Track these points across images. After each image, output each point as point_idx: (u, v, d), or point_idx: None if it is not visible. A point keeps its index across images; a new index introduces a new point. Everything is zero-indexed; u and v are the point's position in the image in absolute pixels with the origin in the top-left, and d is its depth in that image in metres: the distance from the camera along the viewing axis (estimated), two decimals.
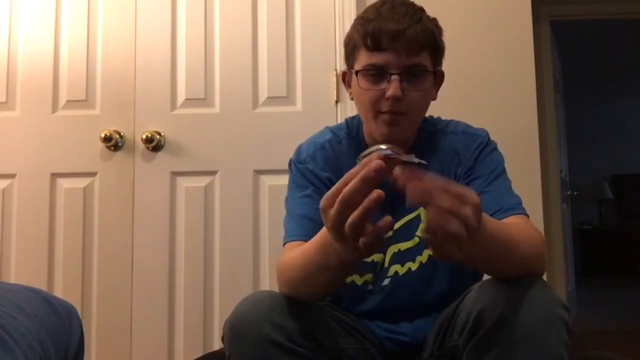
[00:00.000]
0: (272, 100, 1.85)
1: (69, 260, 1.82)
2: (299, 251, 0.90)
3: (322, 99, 1.83)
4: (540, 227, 1.77)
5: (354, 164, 1.07)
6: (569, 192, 3.68)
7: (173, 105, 1.86)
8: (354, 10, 1.79)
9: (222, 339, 0.89)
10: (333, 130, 1.14)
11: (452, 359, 0.92)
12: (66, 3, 1.92)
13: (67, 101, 1.89)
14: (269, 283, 1.78)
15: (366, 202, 0.66)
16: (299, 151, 1.13)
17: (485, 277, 0.91)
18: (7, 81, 1.90)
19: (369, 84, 1.01)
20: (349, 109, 1.76)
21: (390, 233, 1.06)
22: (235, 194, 1.82)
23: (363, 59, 1.01)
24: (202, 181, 1.84)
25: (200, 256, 1.80)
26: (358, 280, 1.07)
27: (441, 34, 1.05)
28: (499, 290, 0.81)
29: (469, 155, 1.05)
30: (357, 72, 1.02)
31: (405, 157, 0.71)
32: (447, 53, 1.07)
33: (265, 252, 1.79)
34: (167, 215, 1.82)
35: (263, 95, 1.86)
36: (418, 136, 1.10)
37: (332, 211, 0.69)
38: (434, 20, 1.05)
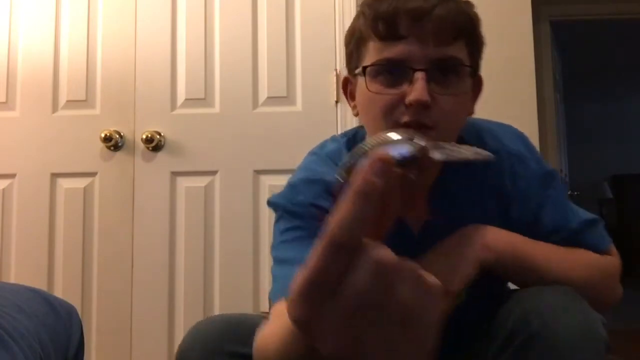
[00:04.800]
0: (272, 100, 1.85)
1: (69, 260, 1.82)
2: (281, 328, 0.58)
3: (322, 99, 1.83)
4: None
5: None
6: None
7: (173, 105, 1.86)
8: (354, 11, 1.78)
9: None
10: (339, 145, 0.91)
11: None
12: (66, 3, 1.91)
13: (67, 101, 1.89)
14: (268, 283, 1.77)
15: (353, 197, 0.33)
16: (293, 191, 0.86)
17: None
18: (7, 81, 1.90)
19: (381, 86, 0.72)
20: (350, 108, 1.76)
21: None
22: (235, 194, 1.82)
23: (373, 53, 0.73)
24: (202, 181, 1.83)
25: (200, 256, 1.80)
26: None
27: (480, 23, 0.76)
28: (536, 301, 0.70)
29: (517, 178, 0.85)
30: (364, 70, 0.74)
31: (437, 154, 0.43)
32: None
33: (265, 252, 1.79)
34: (167, 215, 1.82)
35: (263, 95, 1.86)
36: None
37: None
38: (470, 2, 0.76)
